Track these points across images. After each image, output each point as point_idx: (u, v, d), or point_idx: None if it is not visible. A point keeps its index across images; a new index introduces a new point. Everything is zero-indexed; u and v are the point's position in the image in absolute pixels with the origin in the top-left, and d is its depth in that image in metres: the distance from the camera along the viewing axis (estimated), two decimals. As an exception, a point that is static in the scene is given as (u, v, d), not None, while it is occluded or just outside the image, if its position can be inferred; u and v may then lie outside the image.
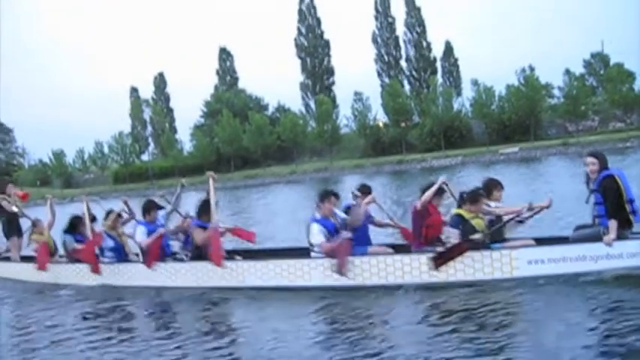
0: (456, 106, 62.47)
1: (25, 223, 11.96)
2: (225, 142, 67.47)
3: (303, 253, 8.62)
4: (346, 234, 7.87)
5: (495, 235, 7.57)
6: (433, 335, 5.77)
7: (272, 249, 9.41)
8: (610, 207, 6.94)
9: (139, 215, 9.95)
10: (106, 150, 74.54)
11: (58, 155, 76.37)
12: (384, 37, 74.01)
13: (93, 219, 10.28)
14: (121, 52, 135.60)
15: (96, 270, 9.62)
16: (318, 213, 8.33)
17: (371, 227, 8.87)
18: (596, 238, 7.02)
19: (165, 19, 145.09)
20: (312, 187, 39.17)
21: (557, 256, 7.12)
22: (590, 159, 7.24)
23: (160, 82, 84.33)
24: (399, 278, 7.64)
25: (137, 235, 9.39)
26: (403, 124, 62.64)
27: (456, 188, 8.50)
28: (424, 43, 73.19)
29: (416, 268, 7.60)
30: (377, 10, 73.95)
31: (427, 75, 70.16)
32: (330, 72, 76.88)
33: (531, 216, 7.70)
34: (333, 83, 76.82)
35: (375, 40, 74.28)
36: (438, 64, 73.46)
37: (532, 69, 59.12)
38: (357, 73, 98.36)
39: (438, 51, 73.49)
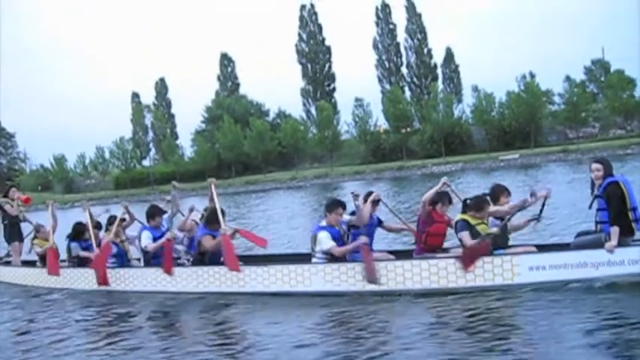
0: (456, 112, 62.71)
1: (25, 228, 11.97)
2: (226, 147, 67.55)
3: (303, 258, 8.63)
4: (363, 239, 7.82)
5: (499, 242, 7.57)
6: (433, 341, 5.78)
7: (272, 254, 9.41)
8: (613, 213, 6.94)
9: (140, 219, 10.02)
10: (107, 155, 74.71)
11: (59, 160, 76.48)
12: (385, 44, 74.24)
13: (97, 225, 10.28)
14: (123, 57, 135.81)
15: (104, 282, 9.56)
16: (324, 221, 8.28)
17: (379, 232, 8.81)
18: (598, 244, 7.02)
19: (166, 24, 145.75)
20: (312, 193, 39.22)
21: (558, 263, 7.11)
22: (595, 165, 7.25)
23: (162, 87, 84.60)
24: (399, 284, 7.63)
25: (143, 240, 9.43)
26: (404, 131, 62.72)
27: (460, 193, 8.51)
28: (425, 50, 73.42)
29: (417, 274, 7.60)
30: (378, 17, 74.28)
31: (428, 81, 70.39)
32: (331, 78, 77.07)
33: (539, 205, 7.64)
34: (334, 89, 77.05)
35: (375, 47, 74.54)
36: (439, 71, 73.74)
37: (533, 75, 59.25)
38: (357, 80, 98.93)
39: (438, 57, 73.91)
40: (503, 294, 7.05)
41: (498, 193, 7.98)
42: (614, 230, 6.88)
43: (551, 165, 42.67)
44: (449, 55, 73.48)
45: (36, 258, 11.37)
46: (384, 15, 74.05)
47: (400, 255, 8.38)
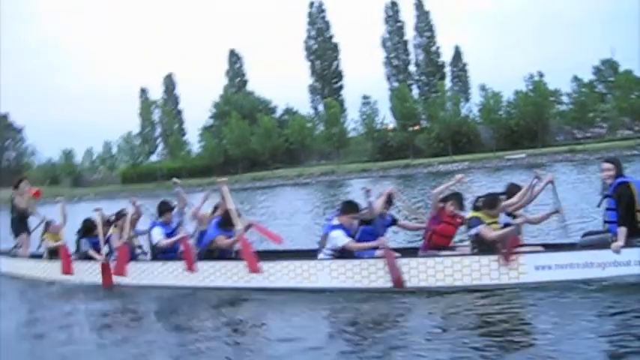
0: (463, 111, 62.56)
1: (32, 221, 12.03)
2: (234, 143, 67.64)
3: (309, 254, 8.66)
4: (383, 240, 7.75)
5: None
6: (437, 339, 5.78)
7: (277, 250, 9.43)
8: (621, 214, 6.92)
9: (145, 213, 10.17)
10: (114, 150, 74.97)
11: (68, 154, 76.84)
12: (394, 41, 74.06)
13: (108, 222, 10.29)
14: (132, 53, 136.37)
15: (121, 272, 9.58)
16: (337, 220, 8.18)
17: (393, 230, 8.77)
18: (604, 244, 7.00)
19: (175, 20, 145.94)
20: (318, 190, 39.22)
21: (564, 262, 7.11)
22: (606, 165, 7.22)
23: (170, 83, 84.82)
24: (405, 282, 7.62)
25: (154, 236, 9.49)
26: (411, 129, 62.64)
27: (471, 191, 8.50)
28: (433, 48, 73.27)
29: (422, 272, 7.61)
30: (386, 14, 74.06)
31: (436, 80, 70.15)
32: (339, 75, 77.06)
33: (552, 195, 7.71)
34: (341, 87, 77.02)
35: (384, 44, 74.36)
36: (447, 69, 73.56)
37: (541, 75, 59.01)
38: (365, 77, 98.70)
39: (447, 56, 73.68)
40: (508, 293, 7.04)
41: (514, 191, 7.97)
42: (622, 231, 6.85)
43: (557, 165, 42.50)
44: (457, 54, 73.33)
45: (42, 250, 11.40)
46: (392, 12, 73.90)
47: (406, 252, 8.35)
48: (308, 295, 7.96)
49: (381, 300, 7.40)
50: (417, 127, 63.39)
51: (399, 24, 74.27)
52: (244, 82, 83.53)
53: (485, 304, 6.80)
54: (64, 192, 56.12)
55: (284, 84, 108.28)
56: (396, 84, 70.90)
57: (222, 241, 8.88)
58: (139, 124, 79.30)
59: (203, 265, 8.96)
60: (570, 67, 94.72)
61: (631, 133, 56.25)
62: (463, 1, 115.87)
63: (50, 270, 10.72)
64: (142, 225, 10.15)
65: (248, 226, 8.94)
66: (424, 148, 61.92)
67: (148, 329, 7.44)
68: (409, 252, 8.43)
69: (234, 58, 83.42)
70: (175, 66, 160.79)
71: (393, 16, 74.08)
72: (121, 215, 10.02)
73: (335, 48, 76.95)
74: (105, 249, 9.92)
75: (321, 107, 71.01)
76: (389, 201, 8.57)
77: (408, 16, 74.20)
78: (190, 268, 9.00)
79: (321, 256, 8.23)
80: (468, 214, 7.85)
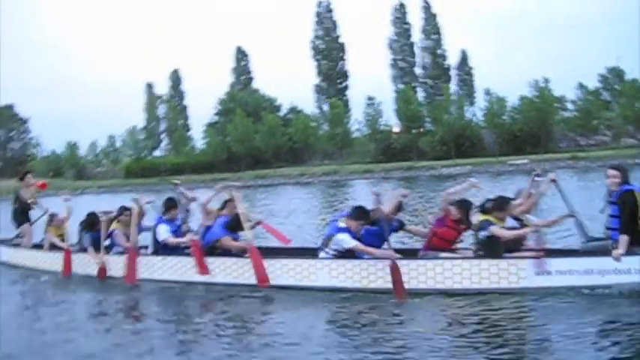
0: (467, 115, 62.45)
1: (34, 213, 12.14)
2: (237, 141, 67.57)
3: (309, 253, 8.68)
4: (392, 253, 7.72)
5: (511, 245, 7.58)
6: (436, 342, 5.79)
7: (277, 248, 9.44)
8: (624, 221, 6.92)
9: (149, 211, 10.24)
10: (118, 144, 75.01)
11: (72, 147, 76.94)
12: (400, 43, 73.98)
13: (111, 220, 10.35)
14: (138, 48, 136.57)
15: (132, 280, 9.50)
16: (344, 223, 8.14)
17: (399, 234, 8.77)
18: (605, 252, 7.02)
19: (182, 16, 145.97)
20: (319, 189, 39.20)
21: (564, 268, 7.13)
22: (612, 171, 7.21)
23: (176, 78, 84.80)
24: (404, 283, 7.61)
25: (161, 233, 9.48)
26: (415, 131, 62.61)
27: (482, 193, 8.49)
28: (439, 51, 73.16)
29: (422, 274, 7.62)
30: (394, 16, 74.00)
31: (441, 83, 70.07)
32: (345, 75, 76.99)
33: (560, 197, 7.81)
34: (347, 87, 76.98)
35: (390, 46, 74.28)
36: (453, 73, 73.45)
37: (547, 81, 58.87)
38: (371, 78, 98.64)
39: (453, 59, 73.56)
40: (507, 297, 7.05)
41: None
42: (623, 238, 6.85)
43: (558, 171, 42.26)
44: (463, 58, 73.21)
45: (44, 242, 11.43)
46: (400, 14, 73.84)
47: (406, 254, 8.36)
48: (307, 293, 7.96)
49: (381, 301, 7.40)
50: (421, 130, 63.37)
51: (406, 26, 74.16)
52: (250, 80, 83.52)
53: (484, 307, 6.81)
54: (67, 184, 56.25)
55: (289, 83, 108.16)
56: (401, 86, 70.70)
57: (228, 242, 8.91)
58: (144, 118, 79.38)
59: (206, 260, 8.97)
60: (576, 73, 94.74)
61: (635, 141, 56.04)
62: (471, 4, 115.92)
63: (51, 261, 10.77)
64: (147, 221, 10.19)
65: (256, 224, 8.93)
66: (427, 151, 61.83)
67: (146, 323, 7.46)
68: (409, 253, 8.44)
69: (240, 55, 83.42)
70: (182, 62, 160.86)
71: (400, 18, 73.97)
72: (123, 210, 10.08)
73: (341, 48, 76.90)
74: (106, 243, 10.02)
75: (326, 107, 70.99)
76: (399, 207, 8.58)
77: (415, 19, 74.21)
78: (203, 271, 8.93)
79: (322, 255, 8.24)
80: (477, 217, 7.84)
